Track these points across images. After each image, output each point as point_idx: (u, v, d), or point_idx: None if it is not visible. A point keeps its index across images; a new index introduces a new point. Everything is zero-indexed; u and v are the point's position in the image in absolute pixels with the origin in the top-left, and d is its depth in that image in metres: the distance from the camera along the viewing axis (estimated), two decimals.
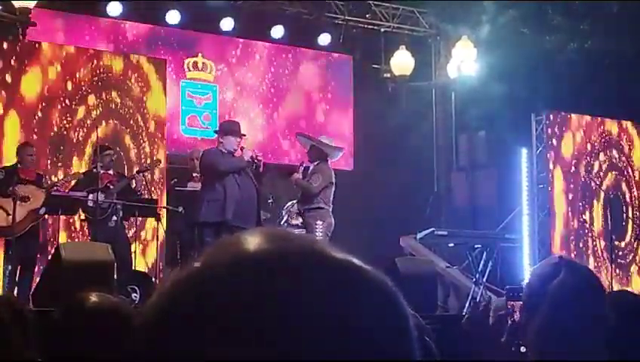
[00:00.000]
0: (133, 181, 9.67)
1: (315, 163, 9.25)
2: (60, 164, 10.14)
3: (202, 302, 0.68)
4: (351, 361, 0.67)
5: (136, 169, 10.11)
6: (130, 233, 9.52)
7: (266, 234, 0.73)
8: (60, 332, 2.23)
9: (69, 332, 2.19)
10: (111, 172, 9.48)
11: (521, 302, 2.20)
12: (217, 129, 9.13)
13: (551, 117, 12.30)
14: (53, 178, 9.51)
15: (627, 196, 12.86)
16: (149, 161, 10.31)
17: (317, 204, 8.99)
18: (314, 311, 0.67)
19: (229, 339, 0.66)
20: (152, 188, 10.30)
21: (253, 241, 0.72)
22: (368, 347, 0.68)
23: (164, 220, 9.79)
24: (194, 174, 9.68)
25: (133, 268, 9.25)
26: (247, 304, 0.67)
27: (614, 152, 12.84)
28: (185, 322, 0.68)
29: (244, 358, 0.66)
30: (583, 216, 12.40)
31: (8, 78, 10.07)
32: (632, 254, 12.69)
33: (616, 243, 12.25)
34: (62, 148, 10.22)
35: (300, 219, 9.07)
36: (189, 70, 12.49)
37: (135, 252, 9.42)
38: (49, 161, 10.09)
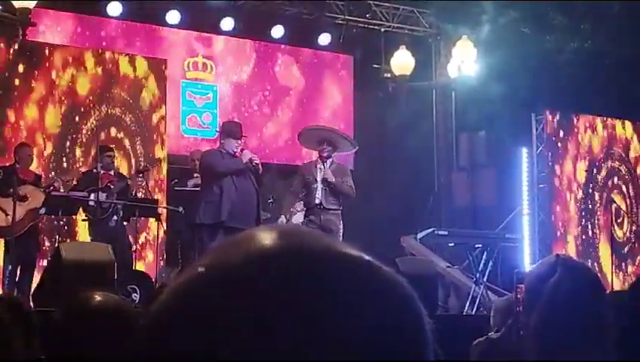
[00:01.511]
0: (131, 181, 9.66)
1: (332, 159, 8.90)
2: (62, 165, 10.15)
3: (212, 300, 0.66)
4: (365, 360, 0.66)
5: (135, 169, 10.12)
6: (131, 233, 9.52)
7: (276, 231, 0.71)
8: (60, 332, 2.24)
9: (69, 332, 2.20)
10: (111, 172, 9.48)
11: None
12: (219, 129, 9.08)
13: (551, 117, 12.32)
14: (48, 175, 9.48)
15: (627, 195, 12.87)
16: (149, 161, 10.32)
17: (342, 206, 8.86)
18: (329, 309, 0.66)
19: (241, 339, 0.64)
20: (152, 188, 10.30)
21: (264, 238, 0.69)
22: (383, 346, 0.67)
23: (164, 220, 9.79)
24: (195, 175, 9.68)
25: (133, 268, 9.25)
26: (261, 303, 0.65)
27: (614, 152, 12.85)
28: (191, 322, 0.66)
29: (257, 358, 0.64)
30: (584, 215, 12.41)
31: (8, 79, 10.07)
32: (634, 252, 12.69)
33: (618, 242, 12.25)
34: (63, 148, 10.22)
35: (302, 219, 8.94)
36: (189, 70, 12.49)
37: (135, 252, 9.43)
38: (51, 161, 10.10)
